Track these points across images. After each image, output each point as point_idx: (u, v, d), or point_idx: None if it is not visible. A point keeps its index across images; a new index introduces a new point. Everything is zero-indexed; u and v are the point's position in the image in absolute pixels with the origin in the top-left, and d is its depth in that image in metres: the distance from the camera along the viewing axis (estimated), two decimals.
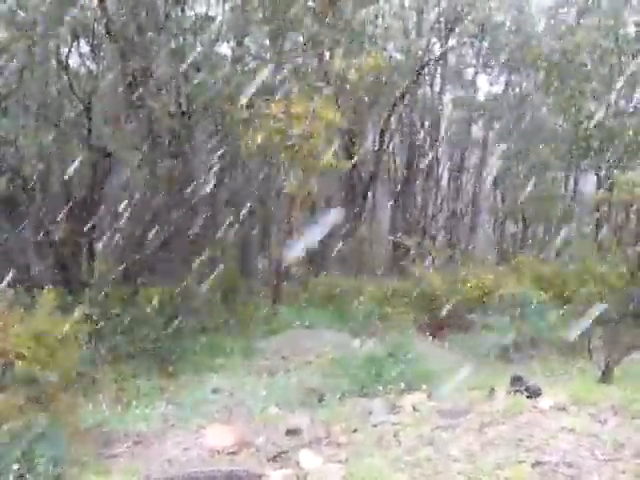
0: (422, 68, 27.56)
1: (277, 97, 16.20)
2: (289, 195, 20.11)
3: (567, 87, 19.48)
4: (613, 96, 23.93)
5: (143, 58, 15.11)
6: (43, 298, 9.51)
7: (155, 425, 9.78)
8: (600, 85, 20.82)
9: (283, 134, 16.01)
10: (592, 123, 20.14)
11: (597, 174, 25.17)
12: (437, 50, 29.00)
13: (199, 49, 17.70)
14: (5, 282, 13.17)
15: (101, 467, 8.02)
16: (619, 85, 21.08)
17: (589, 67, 19.17)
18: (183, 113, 17.30)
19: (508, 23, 26.39)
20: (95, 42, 15.52)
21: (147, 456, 8.43)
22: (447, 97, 33.18)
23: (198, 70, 17.45)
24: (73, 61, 16.13)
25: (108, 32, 15.05)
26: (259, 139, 15.64)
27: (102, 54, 15.67)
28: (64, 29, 15.10)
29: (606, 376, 11.18)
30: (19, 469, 7.34)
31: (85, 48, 16.11)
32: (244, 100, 15.62)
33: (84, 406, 10.14)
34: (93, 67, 16.10)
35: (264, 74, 15.74)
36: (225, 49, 19.25)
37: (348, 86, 18.46)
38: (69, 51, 15.60)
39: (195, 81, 17.24)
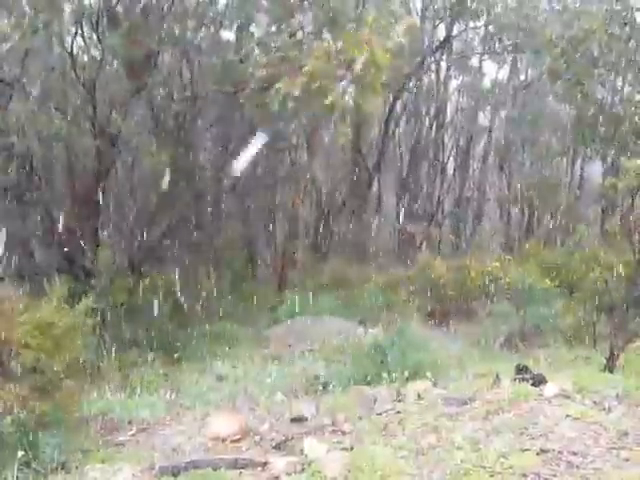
0: (427, 53, 27.43)
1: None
2: (294, 182, 20.12)
3: (573, 73, 19.32)
4: (620, 82, 23.79)
5: (147, 43, 15.03)
6: (51, 289, 9.53)
7: (159, 413, 9.80)
8: (606, 71, 20.68)
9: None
10: (598, 109, 20.02)
11: (603, 161, 25.04)
12: (442, 35, 28.86)
13: (203, 34, 17.62)
14: (10, 270, 13.22)
15: (105, 454, 8.05)
16: (626, 71, 20.95)
17: (595, 54, 19.00)
18: (188, 99, 17.24)
19: (514, 6, 26.10)
20: (99, 28, 15.42)
21: (151, 444, 8.45)
22: (453, 83, 33.05)
23: (203, 55, 17.40)
24: (77, 47, 16.04)
25: (111, 17, 15.01)
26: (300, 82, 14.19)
27: (106, 40, 15.58)
28: (67, 15, 15.04)
29: (611, 364, 11.15)
30: (24, 456, 7.37)
31: (89, 34, 16.02)
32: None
33: (88, 394, 10.16)
34: (97, 53, 16.01)
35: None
36: (229, 34, 19.12)
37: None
38: (74, 37, 15.53)
39: (200, 66, 17.18)
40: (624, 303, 12.91)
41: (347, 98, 14.74)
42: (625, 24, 18.38)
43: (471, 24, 28.64)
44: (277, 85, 13.80)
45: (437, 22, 28.74)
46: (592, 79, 20.05)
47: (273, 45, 15.63)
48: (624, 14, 18.33)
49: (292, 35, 15.34)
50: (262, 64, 14.66)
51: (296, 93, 13.56)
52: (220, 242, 21.20)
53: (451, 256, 23.42)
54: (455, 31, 28.98)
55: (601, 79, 20.77)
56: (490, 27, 28.53)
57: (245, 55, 16.53)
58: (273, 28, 16.34)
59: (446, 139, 33.32)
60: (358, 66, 13.92)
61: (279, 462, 6.90)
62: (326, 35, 15.05)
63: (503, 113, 32.56)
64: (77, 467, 7.39)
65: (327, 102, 14.30)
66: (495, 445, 6.40)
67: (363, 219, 26.78)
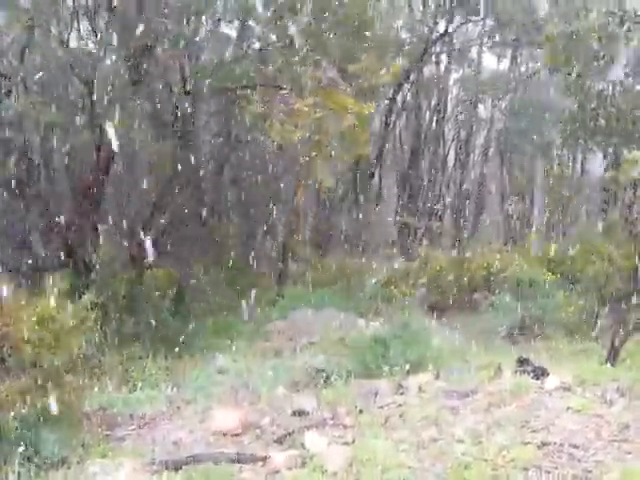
0: (428, 46, 27.36)
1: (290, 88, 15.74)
2: (294, 176, 20.07)
3: (573, 66, 19.25)
4: (621, 74, 23.69)
5: (146, 37, 14.98)
6: (51, 283, 9.50)
7: (161, 407, 9.79)
8: (607, 64, 20.58)
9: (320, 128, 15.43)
10: (599, 102, 19.93)
11: (604, 154, 24.97)
12: (442, 28, 28.77)
13: (203, 28, 17.56)
14: (11, 265, 13.21)
15: (106, 449, 8.04)
16: (627, 64, 20.83)
17: (596, 47, 18.91)
18: (187, 93, 17.19)
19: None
20: (97, 22, 15.38)
21: (152, 438, 8.44)
22: (453, 76, 32.98)
23: (202, 50, 17.35)
24: (75, 40, 15.98)
25: (109, 11, 14.96)
26: (296, 137, 14.97)
27: (104, 34, 15.53)
28: (65, 9, 15.02)
29: (612, 357, 11.14)
30: (26, 451, 7.36)
31: (86, 28, 15.97)
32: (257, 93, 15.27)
33: (90, 389, 10.15)
34: (95, 47, 15.96)
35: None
36: (229, 30, 19.07)
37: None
38: (72, 31, 15.48)
39: (199, 61, 17.13)
40: (625, 295, 12.90)
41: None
42: (622, 21, 18.31)
43: (472, 17, 28.54)
44: (267, 124, 14.35)
45: (437, 16, 28.61)
46: (592, 71, 19.97)
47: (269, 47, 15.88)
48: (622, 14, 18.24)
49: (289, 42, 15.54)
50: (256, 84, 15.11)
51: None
52: (220, 235, 21.17)
53: (452, 249, 23.39)
54: (455, 23, 28.88)
55: (602, 72, 20.68)
56: (490, 21, 28.47)
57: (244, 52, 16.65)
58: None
59: (446, 132, 33.28)
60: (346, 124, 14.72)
61: (280, 456, 6.90)
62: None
63: (503, 105, 32.50)
64: (78, 462, 7.38)
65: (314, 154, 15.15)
66: (496, 438, 6.40)
67: (364, 212, 26.75)
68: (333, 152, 16.23)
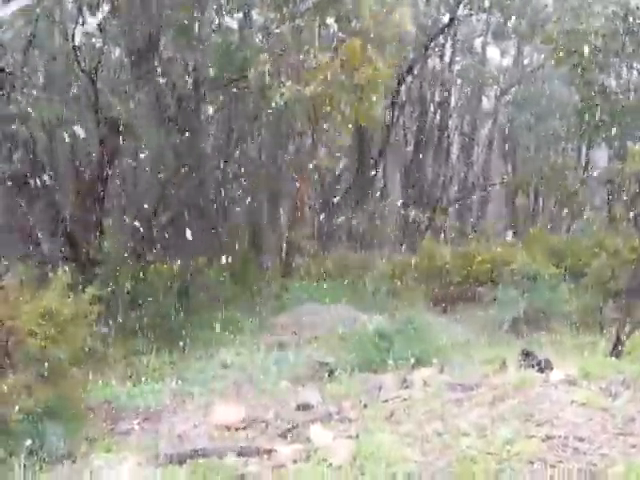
0: (432, 38, 27.25)
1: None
2: (298, 169, 20.03)
3: (577, 60, 19.18)
4: (624, 69, 23.59)
5: (149, 30, 14.98)
6: (56, 277, 9.52)
7: (165, 401, 9.81)
8: (611, 58, 20.51)
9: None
10: (603, 96, 19.88)
11: (609, 146, 24.90)
12: (446, 20, 28.60)
13: (206, 20, 17.52)
14: (16, 259, 13.23)
15: (111, 443, 8.07)
16: (630, 58, 20.76)
17: (599, 43, 18.83)
18: (191, 86, 17.18)
19: None
20: (101, 15, 15.36)
21: (156, 432, 8.45)
22: (457, 68, 32.82)
23: (205, 42, 17.30)
24: (79, 35, 15.97)
25: (113, 3, 14.95)
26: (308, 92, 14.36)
27: (108, 27, 15.52)
28: (69, 3, 15.02)
29: (617, 350, 11.12)
30: (31, 445, 7.38)
31: (91, 21, 15.96)
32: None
33: (94, 382, 10.18)
34: (99, 41, 15.96)
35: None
36: (232, 21, 18.98)
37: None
38: (76, 24, 15.46)
39: (202, 53, 17.09)
40: (630, 288, 12.87)
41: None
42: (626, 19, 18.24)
43: (476, 8, 28.34)
44: (281, 90, 13.93)
45: (441, 7, 28.46)
46: (596, 66, 19.90)
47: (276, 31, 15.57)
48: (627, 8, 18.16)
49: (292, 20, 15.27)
50: (264, 60, 14.67)
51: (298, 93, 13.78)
52: (225, 230, 21.18)
53: (456, 242, 23.34)
54: (460, 12, 28.67)
55: (605, 66, 20.60)
56: (495, 14, 28.32)
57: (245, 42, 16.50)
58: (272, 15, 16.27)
59: (450, 124, 33.19)
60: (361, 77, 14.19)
61: (285, 450, 6.90)
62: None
63: (508, 98, 32.37)
64: (83, 456, 7.40)
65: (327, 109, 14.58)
66: (501, 431, 6.38)
67: (368, 206, 26.69)
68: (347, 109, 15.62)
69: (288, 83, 14.12)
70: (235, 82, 17.11)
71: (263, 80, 14.72)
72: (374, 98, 15.74)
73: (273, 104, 14.72)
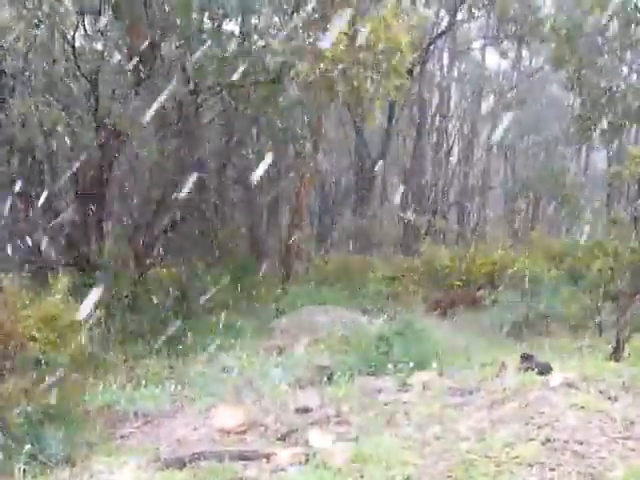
0: (431, 41, 27.30)
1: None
2: (298, 173, 20.03)
3: (577, 61, 19.20)
4: (625, 70, 23.63)
5: (150, 35, 14.99)
6: (56, 282, 9.53)
7: (164, 405, 9.80)
8: (611, 59, 20.54)
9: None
10: (603, 98, 19.90)
11: (608, 149, 24.93)
12: (445, 23, 28.68)
13: (206, 26, 17.53)
14: (16, 263, 13.24)
15: (110, 447, 8.07)
16: (631, 59, 20.82)
17: (600, 42, 18.88)
18: (191, 91, 17.19)
19: None
20: (102, 19, 15.39)
21: (156, 436, 8.45)
22: (456, 71, 32.89)
23: (206, 47, 17.31)
24: (80, 39, 16.00)
25: (114, 8, 14.98)
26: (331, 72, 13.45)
27: (108, 32, 15.55)
28: (69, 7, 15.02)
29: (616, 353, 11.13)
30: (31, 449, 7.38)
31: (91, 25, 15.98)
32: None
33: (94, 386, 10.18)
34: (99, 45, 15.99)
35: None
36: (232, 26, 18.99)
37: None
38: (76, 29, 15.49)
39: (203, 58, 17.09)
40: (630, 291, 12.87)
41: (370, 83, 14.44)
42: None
43: (474, 12, 28.42)
44: (297, 68, 13.57)
45: (441, 11, 28.54)
46: (596, 67, 19.92)
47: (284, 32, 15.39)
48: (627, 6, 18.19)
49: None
50: (277, 52, 14.39)
51: (316, 75, 13.36)
52: (224, 234, 21.18)
53: (456, 245, 23.36)
54: (459, 17, 28.76)
55: (606, 67, 20.63)
56: (493, 16, 28.37)
57: (250, 47, 16.45)
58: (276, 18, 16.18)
59: (450, 127, 33.23)
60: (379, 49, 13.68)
61: (284, 453, 6.89)
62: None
63: (507, 101, 32.41)
64: (83, 460, 7.40)
65: (352, 87, 14.09)
66: (500, 435, 6.37)
67: (367, 209, 26.72)
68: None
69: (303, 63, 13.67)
70: (237, 87, 17.13)
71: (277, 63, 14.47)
72: (408, 58, 14.93)
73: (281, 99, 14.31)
